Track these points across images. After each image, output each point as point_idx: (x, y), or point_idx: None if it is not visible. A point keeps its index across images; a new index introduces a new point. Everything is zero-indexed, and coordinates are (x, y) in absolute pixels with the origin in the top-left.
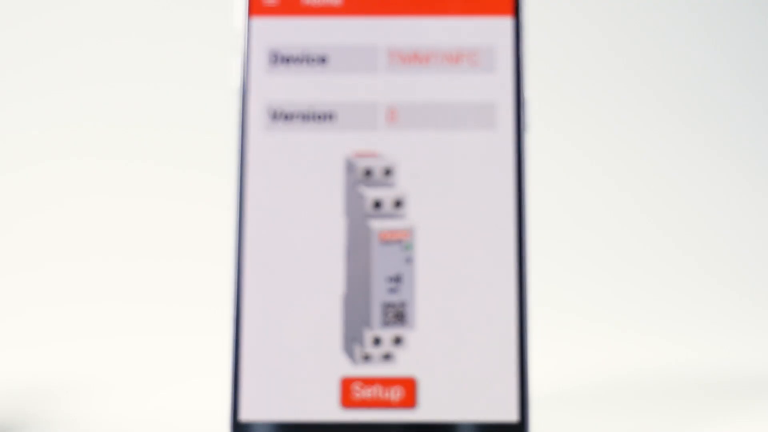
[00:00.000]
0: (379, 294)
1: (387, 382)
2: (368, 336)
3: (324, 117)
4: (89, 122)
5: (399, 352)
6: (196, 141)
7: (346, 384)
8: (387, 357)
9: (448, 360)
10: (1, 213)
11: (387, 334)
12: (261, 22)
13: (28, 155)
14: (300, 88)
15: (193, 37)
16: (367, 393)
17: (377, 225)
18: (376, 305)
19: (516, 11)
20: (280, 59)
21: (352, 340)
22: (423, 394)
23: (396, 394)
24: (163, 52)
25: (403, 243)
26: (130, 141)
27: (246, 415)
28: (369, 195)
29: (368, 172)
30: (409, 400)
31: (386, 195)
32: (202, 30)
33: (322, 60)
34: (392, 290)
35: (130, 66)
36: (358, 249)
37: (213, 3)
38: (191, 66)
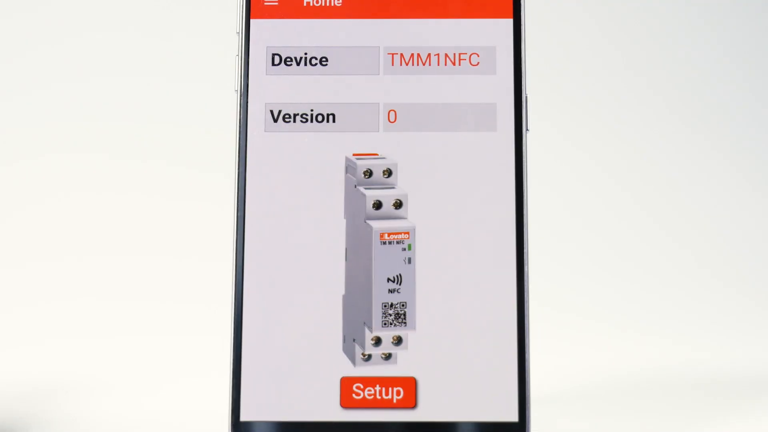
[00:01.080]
0: (380, 294)
1: (387, 383)
2: (368, 336)
3: (324, 118)
4: (89, 119)
5: (399, 353)
6: (197, 141)
7: (347, 384)
8: (387, 357)
9: (448, 360)
10: None
11: (387, 335)
12: (261, 24)
13: (27, 149)
14: (300, 90)
15: (193, 37)
16: (368, 393)
17: (377, 225)
18: (377, 305)
19: (515, 13)
20: (280, 60)
21: (352, 340)
22: (423, 394)
23: (396, 394)
24: (163, 52)
25: (403, 243)
26: (130, 140)
27: (246, 415)
28: (369, 195)
29: (369, 173)
30: (409, 401)
31: (387, 196)
32: (202, 30)
33: (323, 61)
34: (392, 291)
35: (129, 65)
36: (359, 249)
37: (213, 3)
38: (192, 66)
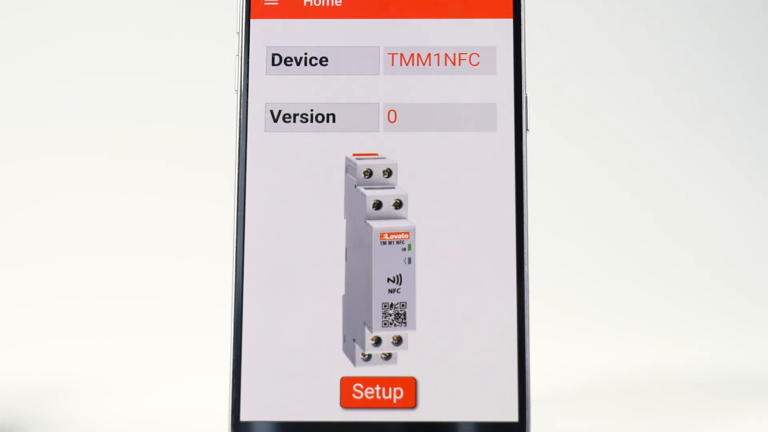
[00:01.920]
0: (380, 294)
1: (387, 383)
2: (368, 336)
3: (324, 118)
4: (89, 119)
5: (399, 353)
6: (197, 141)
7: (347, 384)
8: (387, 357)
9: (448, 360)
10: None
11: (387, 335)
12: (261, 24)
13: (27, 149)
14: (300, 90)
15: (193, 37)
16: (368, 393)
17: (377, 225)
18: (377, 305)
19: (515, 13)
20: (280, 60)
21: (352, 340)
22: (423, 394)
23: (396, 394)
24: (163, 52)
25: (403, 243)
26: (130, 140)
27: (246, 415)
28: (369, 195)
29: (369, 173)
30: (409, 401)
31: (387, 196)
32: (202, 30)
33: (323, 61)
34: (392, 291)
35: (129, 65)
36: (359, 249)
37: (213, 3)
38: (192, 66)
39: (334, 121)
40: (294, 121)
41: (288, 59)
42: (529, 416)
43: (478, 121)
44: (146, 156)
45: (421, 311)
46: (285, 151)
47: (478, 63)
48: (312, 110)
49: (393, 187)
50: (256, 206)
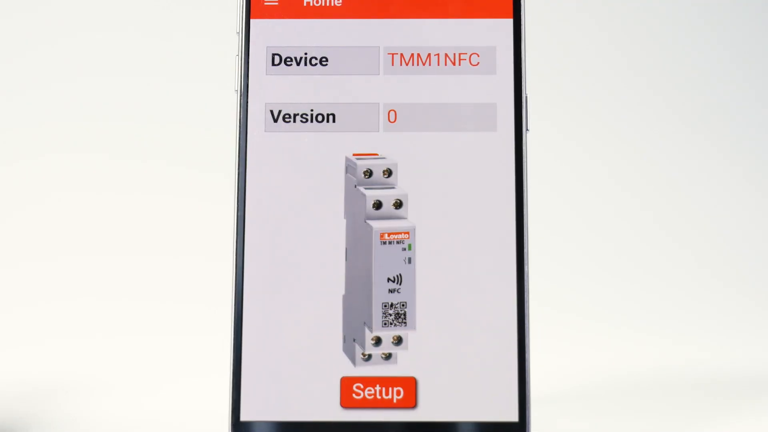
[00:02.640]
0: (380, 294)
1: (387, 383)
2: (368, 336)
3: (324, 118)
4: (89, 119)
5: (399, 353)
6: (197, 141)
7: (347, 384)
8: (387, 357)
9: (448, 360)
10: None
11: (387, 335)
12: (261, 24)
13: (27, 149)
14: (300, 90)
15: (193, 37)
16: (368, 393)
17: (377, 225)
18: (377, 305)
19: (515, 13)
20: (280, 60)
21: (352, 340)
22: (423, 394)
23: (396, 394)
24: (163, 52)
25: (403, 243)
26: (130, 140)
27: (246, 415)
28: (369, 195)
29: (369, 173)
30: (409, 400)
31: (387, 196)
32: (202, 30)
33: (323, 61)
34: (392, 290)
35: (129, 65)
36: (359, 249)
37: (213, 3)
38: (192, 66)
39: (334, 121)
40: (294, 121)
41: (288, 59)
42: (529, 416)
43: (478, 121)
44: (146, 156)
45: (421, 311)
46: (285, 151)
47: (478, 63)
48: (312, 110)
49: (393, 187)
50: (256, 206)
